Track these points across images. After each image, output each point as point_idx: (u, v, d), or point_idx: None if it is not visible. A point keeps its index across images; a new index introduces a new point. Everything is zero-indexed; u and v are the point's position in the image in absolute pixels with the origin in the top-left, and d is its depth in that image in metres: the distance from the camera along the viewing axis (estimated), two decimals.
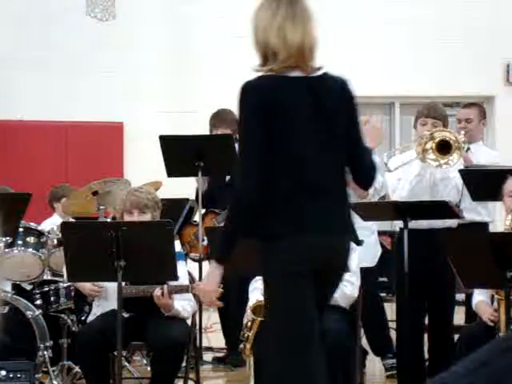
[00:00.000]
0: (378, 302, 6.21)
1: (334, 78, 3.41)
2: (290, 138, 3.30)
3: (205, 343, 7.04)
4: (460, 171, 5.38)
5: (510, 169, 5.17)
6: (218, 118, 6.89)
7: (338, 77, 3.42)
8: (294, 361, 3.29)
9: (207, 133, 6.91)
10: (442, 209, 5.14)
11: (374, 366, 6.43)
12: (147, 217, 4.89)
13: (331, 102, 3.36)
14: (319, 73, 3.38)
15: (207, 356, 6.87)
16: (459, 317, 6.15)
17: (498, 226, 6.27)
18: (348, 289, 4.75)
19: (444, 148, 5.29)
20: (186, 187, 6.93)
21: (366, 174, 3.53)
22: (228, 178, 6.82)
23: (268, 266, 3.34)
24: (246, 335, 4.81)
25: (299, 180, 3.30)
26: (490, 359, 0.59)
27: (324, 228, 3.32)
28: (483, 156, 6.18)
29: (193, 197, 6.76)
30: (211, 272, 3.46)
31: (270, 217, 3.29)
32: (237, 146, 6.72)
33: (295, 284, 3.27)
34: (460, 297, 6.20)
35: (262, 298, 4.64)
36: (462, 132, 6.09)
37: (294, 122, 3.31)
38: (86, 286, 5.02)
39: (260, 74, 3.35)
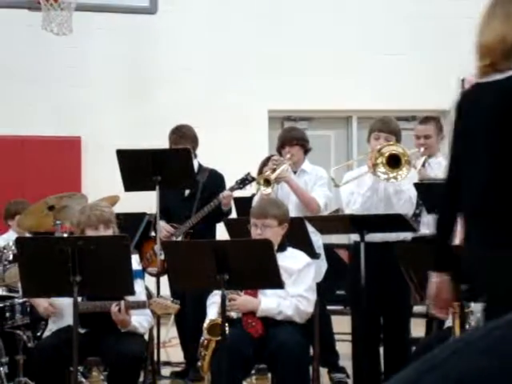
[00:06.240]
0: (324, 314, 6.17)
1: None
2: None
3: (163, 358, 7.00)
4: (415, 184, 5.42)
5: None
6: (179, 133, 6.77)
7: None
8: None
9: (167, 147, 6.71)
10: (398, 222, 5.17)
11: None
12: (110, 231, 4.93)
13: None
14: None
15: (165, 371, 6.84)
16: (420, 329, 6.15)
17: None
18: (303, 304, 4.76)
19: (395, 161, 5.32)
20: (144, 201, 6.89)
21: None
22: (187, 192, 6.76)
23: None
24: (202, 353, 4.79)
25: None
26: (418, 378, 0.60)
27: None
28: (443, 170, 6.17)
29: (153, 211, 6.61)
30: None
31: None
32: (195, 160, 6.68)
33: None
34: (419, 309, 6.19)
35: (216, 317, 4.62)
36: (422, 148, 6.10)
37: None
38: (41, 305, 4.98)
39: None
